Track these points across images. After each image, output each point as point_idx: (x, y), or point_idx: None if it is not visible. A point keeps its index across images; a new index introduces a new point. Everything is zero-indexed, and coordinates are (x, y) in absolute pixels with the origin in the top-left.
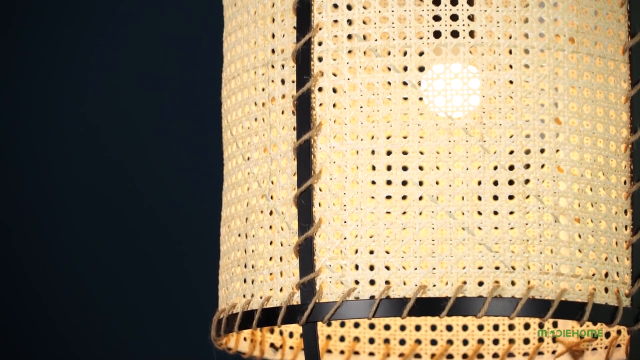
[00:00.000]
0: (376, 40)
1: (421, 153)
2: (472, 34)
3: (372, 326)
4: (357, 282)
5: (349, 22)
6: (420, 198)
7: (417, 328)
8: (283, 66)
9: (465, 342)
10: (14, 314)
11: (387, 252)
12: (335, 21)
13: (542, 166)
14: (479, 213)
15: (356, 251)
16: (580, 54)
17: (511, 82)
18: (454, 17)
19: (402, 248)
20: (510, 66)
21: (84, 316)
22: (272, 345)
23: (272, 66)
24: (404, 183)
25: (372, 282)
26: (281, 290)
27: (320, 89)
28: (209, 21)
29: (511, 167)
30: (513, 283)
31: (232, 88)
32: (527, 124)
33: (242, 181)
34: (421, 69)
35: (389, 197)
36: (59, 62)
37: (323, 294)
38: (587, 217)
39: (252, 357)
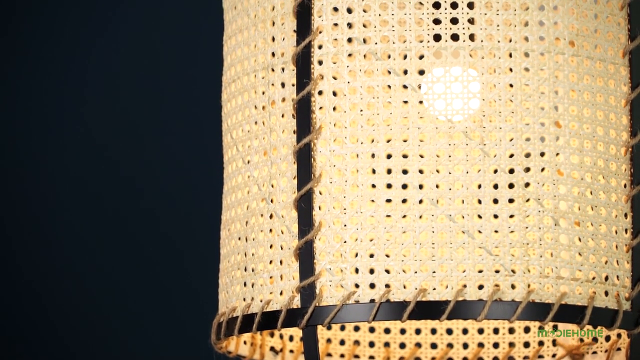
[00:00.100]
0: (376, 43)
1: (421, 156)
2: (472, 37)
3: (372, 329)
4: (357, 286)
5: (349, 25)
6: (420, 201)
7: (418, 331)
8: (283, 69)
9: (465, 346)
10: (14, 315)
11: (387, 256)
12: (336, 24)
13: (542, 169)
14: (479, 216)
15: (356, 254)
16: (580, 57)
17: (511, 85)
18: (454, 21)
19: (402, 251)
20: (511, 69)
21: (84, 317)
22: (272, 348)
23: (272, 69)
24: (404, 186)
25: (372, 286)
26: (281, 293)
27: (320, 92)
28: (209, 24)
29: (511, 171)
30: (513, 286)
31: (232, 91)
32: (527, 127)
33: (242, 184)
34: (421, 72)
35: (389, 200)
36: (58, 66)
37: (323, 298)
38: (587, 220)
39: None
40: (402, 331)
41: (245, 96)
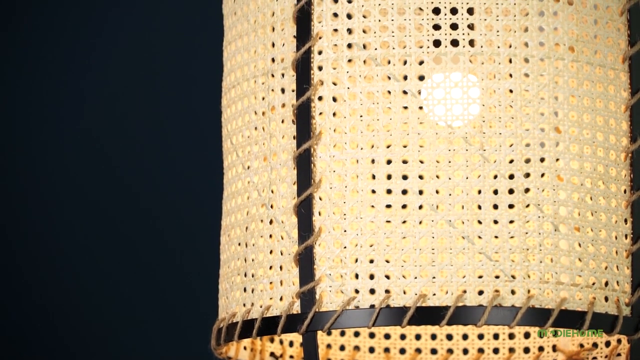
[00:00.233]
0: (376, 49)
1: (421, 162)
2: (472, 42)
3: (372, 335)
4: (357, 291)
5: (349, 31)
6: (420, 207)
7: (417, 337)
8: (283, 75)
9: (465, 351)
10: (14, 315)
11: (387, 261)
12: (335, 30)
13: (542, 175)
14: (479, 222)
15: (356, 260)
16: (580, 62)
17: (511, 91)
18: (454, 26)
19: (402, 257)
20: (510, 75)
21: (85, 319)
22: (272, 354)
23: (272, 75)
24: (404, 192)
25: (372, 291)
26: (281, 299)
27: (320, 98)
28: (209, 30)
29: (511, 176)
30: (513, 292)
31: (232, 97)
32: (527, 133)
33: (242, 190)
34: (421, 78)
35: (389, 206)
36: (58, 68)
37: (323, 303)
38: (587, 226)
39: None
40: (402, 337)
41: (245, 102)
